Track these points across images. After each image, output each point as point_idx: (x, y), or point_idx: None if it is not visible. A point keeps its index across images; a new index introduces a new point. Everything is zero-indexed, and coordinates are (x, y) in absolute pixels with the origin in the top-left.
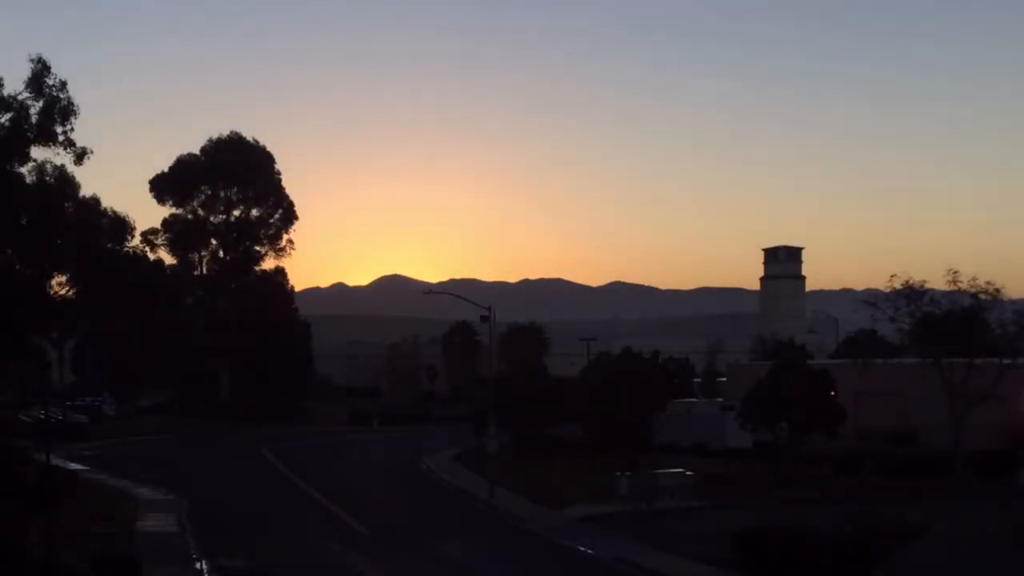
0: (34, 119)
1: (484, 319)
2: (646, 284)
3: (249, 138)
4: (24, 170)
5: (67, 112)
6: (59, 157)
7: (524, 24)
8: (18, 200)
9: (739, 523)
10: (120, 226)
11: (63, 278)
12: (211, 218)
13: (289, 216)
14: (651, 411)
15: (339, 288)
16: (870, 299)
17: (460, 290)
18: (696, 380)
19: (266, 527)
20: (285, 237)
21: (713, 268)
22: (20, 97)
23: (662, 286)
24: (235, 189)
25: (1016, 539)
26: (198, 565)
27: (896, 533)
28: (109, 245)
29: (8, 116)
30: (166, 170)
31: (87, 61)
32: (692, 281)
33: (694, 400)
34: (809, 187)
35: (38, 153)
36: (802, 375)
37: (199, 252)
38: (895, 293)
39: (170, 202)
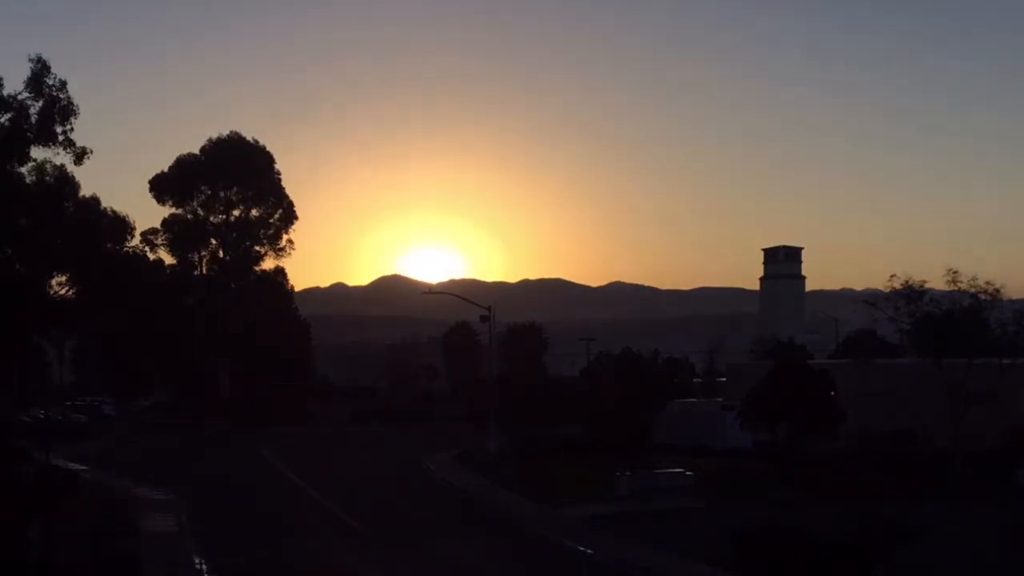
0: (34, 119)
1: (484, 319)
2: (646, 284)
3: (249, 138)
4: (24, 170)
5: (67, 112)
6: (59, 157)
7: (525, 26)
8: (18, 200)
9: (739, 523)
10: (120, 226)
11: (63, 278)
12: (211, 218)
13: (289, 216)
14: (651, 411)
15: (339, 288)
16: (870, 299)
17: (460, 290)
18: (696, 380)
19: (266, 527)
20: (285, 237)
21: (713, 268)
22: (20, 97)
23: (662, 286)
24: (235, 189)
25: (1016, 539)
26: (198, 564)
27: (896, 533)
28: (109, 245)
29: (8, 116)
30: (166, 170)
31: (87, 61)
32: (692, 281)
33: (694, 400)
34: (809, 187)
35: (38, 153)
36: (802, 375)
37: (199, 252)
38: (895, 293)
39: (170, 202)
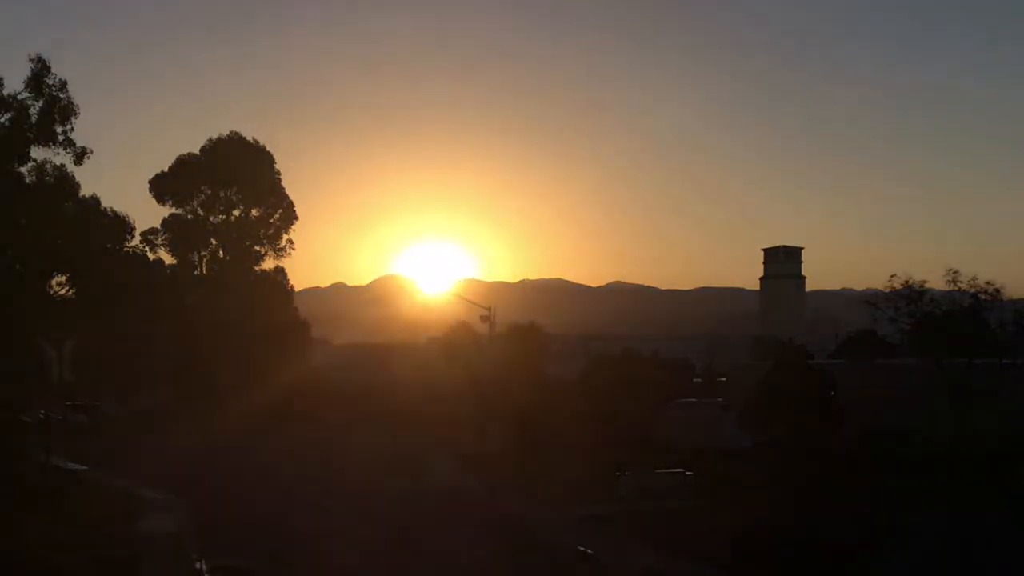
0: (34, 119)
1: (484, 319)
2: (646, 284)
3: (249, 138)
4: (24, 170)
5: (67, 112)
6: (59, 157)
7: (523, 24)
8: (18, 200)
9: (738, 523)
10: (120, 226)
11: (63, 278)
12: (211, 218)
13: (289, 216)
14: (651, 411)
15: (339, 288)
16: (870, 299)
17: (460, 290)
18: (696, 380)
19: (265, 526)
20: (285, 237)
21: (713, 268)
22: (20, 97)
23: (662, 286)
24: (235, 189)
25: (1015, 539)
26: (197, 565)
27: (896, 533)
28: (109, 245)
29: (8, 116)
30: (166, 170)
31: (87, 61)
32: (692, 281)
33: (694, 400)
34: (809, 187)
35: (38, 153)
36: (802, 375)
37: (199, 252)
38: (895, 293)
39: (170, 202)
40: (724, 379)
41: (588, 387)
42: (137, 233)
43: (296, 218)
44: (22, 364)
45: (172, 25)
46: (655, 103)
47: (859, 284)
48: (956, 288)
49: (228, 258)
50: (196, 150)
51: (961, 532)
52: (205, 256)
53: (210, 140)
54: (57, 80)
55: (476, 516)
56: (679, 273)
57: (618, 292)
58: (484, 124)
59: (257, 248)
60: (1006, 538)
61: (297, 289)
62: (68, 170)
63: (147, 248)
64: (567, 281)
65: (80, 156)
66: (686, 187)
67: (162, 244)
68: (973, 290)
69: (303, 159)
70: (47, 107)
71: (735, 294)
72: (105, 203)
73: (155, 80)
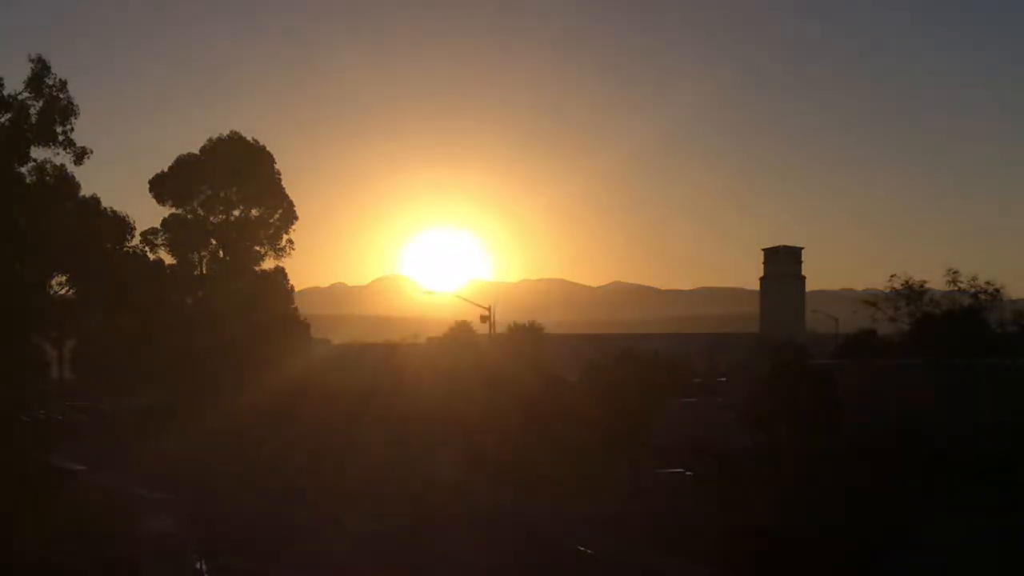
0: (34, 119)
1: (484, 319)
2: (646, 284)
3: (249, 138)
4: (24, 170)
5: (67, 112)
6: (59, 157)
7: (526, 27)
8: (18, 200)
9: (738, 523)
10: (120, 226)
11: (63, 278)
12: (211, 218)
13: (289, 216)
14: (650, 411)
15: (339, 288)
16: (870, 299)
17: (460, 290)
18: (696, 380)
19: (266, 526)
20: (285, 237)
21: (713, 268)
22: (20, 97)
23: (662, 286)
24: (235, 189)
25: (1016, 539)
26: (198, 565)
27: (897, 533)
28: (109, 245)
29: (8, 116)
30: (166, 170)
31: (87, 61)
32: (692, 281)
33: (694, 400)
34: (809, 187)
35: (38, 153)
36: (802, 375)
37: (199, 252)
38: (895, 293)
39: (170, 202)
40: (724, 379)
41: (588, 387)
42: (137, 233)
43: (296, 218)
44: (22, 364)
45: (172, 25)
46: (655, 103)
47: (859, 284)
48: (956, 288)
49: (228, 258)
50: (196, 150)
51: (961, 531)
52: (205, 256)
53: (210, 140)
54: (57, 80)
55: (476, 515)
56: (679, 273)
57: (618, 292)
58: (484, 125)
59: (257, 248)
60: (1006, 537)
61: (297, 289)
62: (68, 170)
63: (147, 248)
64: (567, 281)
65: (80, 156)
66: (686, 187)
67: (162, 244)
68: (973, 290)
69: (303, 159)
70: (47, 107)
71: (735, 294)
72: (105, 203)
73: (155, 80)
